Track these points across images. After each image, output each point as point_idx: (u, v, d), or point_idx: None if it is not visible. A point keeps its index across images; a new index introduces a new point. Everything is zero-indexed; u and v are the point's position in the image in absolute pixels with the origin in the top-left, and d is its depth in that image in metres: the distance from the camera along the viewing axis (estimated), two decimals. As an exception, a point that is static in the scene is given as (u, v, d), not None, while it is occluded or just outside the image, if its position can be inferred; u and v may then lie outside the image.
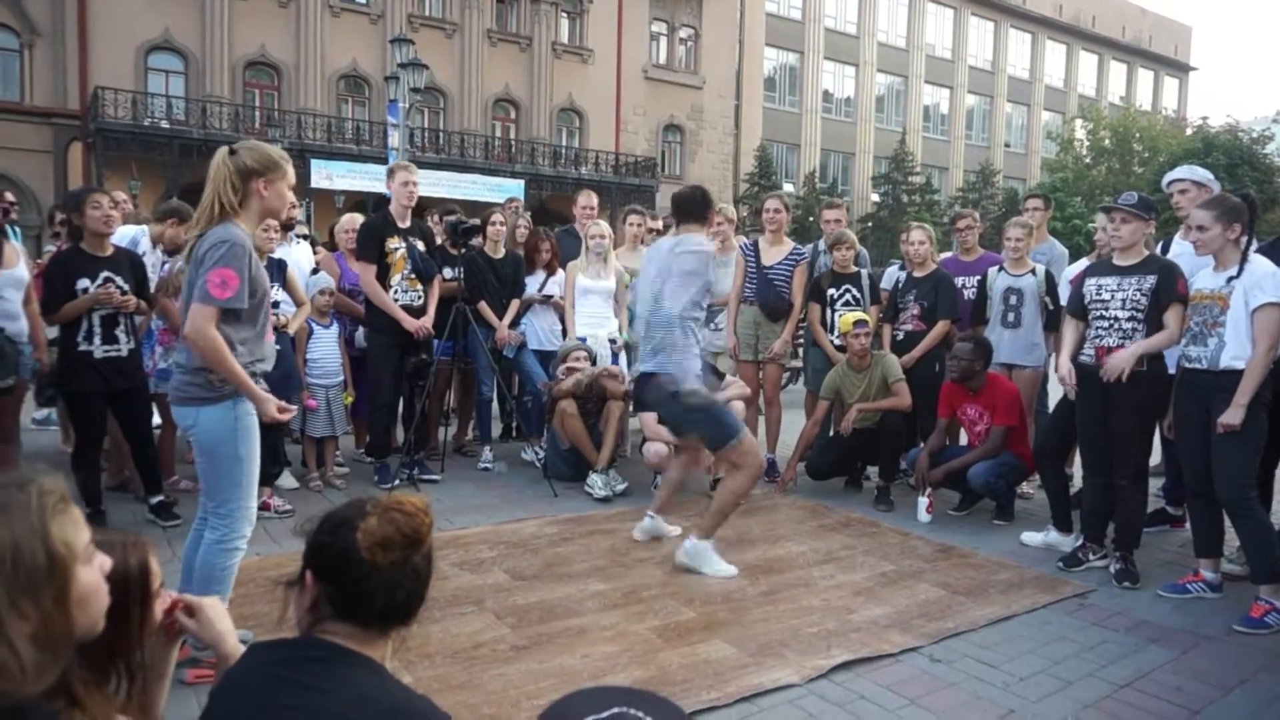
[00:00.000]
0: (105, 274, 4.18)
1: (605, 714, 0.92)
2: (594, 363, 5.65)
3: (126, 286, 4.25)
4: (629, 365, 6.10)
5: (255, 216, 2.82)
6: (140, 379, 4.44)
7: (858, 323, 5.32)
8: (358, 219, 6.01)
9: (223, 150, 2.77)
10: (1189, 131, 36.24)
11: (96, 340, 4.19)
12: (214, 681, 1.51)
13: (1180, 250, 4.45)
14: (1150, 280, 3.87)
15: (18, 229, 6.51)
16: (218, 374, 2.72)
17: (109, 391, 4.27)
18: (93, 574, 1.18)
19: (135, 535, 1.53)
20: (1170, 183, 4.47)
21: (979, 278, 5.59)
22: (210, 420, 2.75)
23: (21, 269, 4.21)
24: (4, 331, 3.79)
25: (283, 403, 2.85)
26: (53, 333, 4.47)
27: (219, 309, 2.65)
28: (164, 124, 21.33)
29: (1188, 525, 4.75)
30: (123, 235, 4.83)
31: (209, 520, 2.84)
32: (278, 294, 4.63)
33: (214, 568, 2.79)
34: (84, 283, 4.15)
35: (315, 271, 5.65)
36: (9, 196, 4.31)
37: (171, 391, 2.82)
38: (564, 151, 27.48)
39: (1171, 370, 4.07)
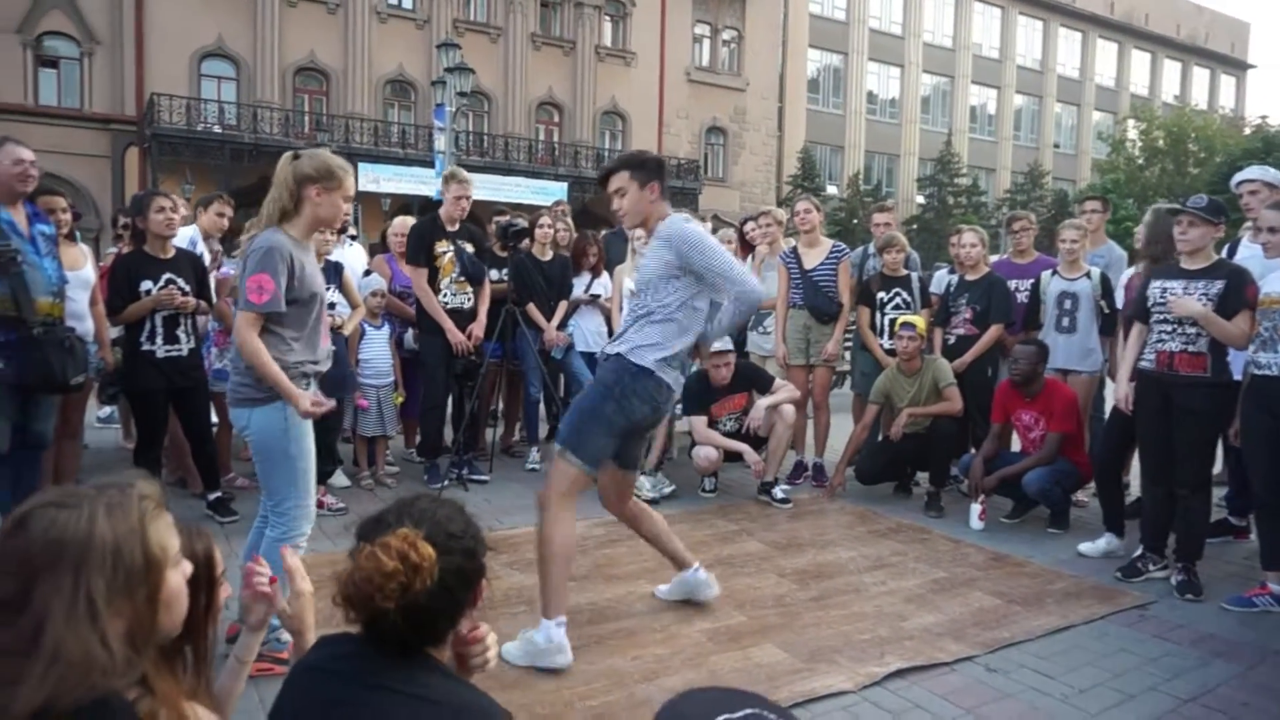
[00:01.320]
0: (167, 276, 4.30)
1: (739, 714, 0.91)
2: None
3: (187, 288, 4.36)
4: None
5: (306, 223, 2.87)
6: (200, 378, 4.55)
7: (904, 325, 5.27)
8: (408, 221, 6.09)
9: (287, 154, 2.84)
10: (1247, 131, 35.26)
11: (159, 340, 4.31)
12: (286, 673, 1.54)
13: (1249, 253, 4.34)
14: (1218, 285, 3.77)
15: (78, 231, 6.72)
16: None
17: (170, 390, 4.39)
18: (179, 578, 1.22)
19: (198, 525, 1.58)
20: (1240, 183, 4.36)
21: (1032, 281, 5.49)
22: (262, 420, 2.82)
23: (88, 270, 4.33)
24: (74, 331, 3.90)
25: (317, 396, 2.87)
26: (114, 332, 4.61)
27: (258, 313, 2.72)
28: (216, 129, 21.82)
29: (1252, 536, 4.64)
30: (180, 237, 4.97)
31: (269, 519, 2.91)
32: (334, 296, 4.71)
33: (275, 565, 2.84)
34: (147, 284, 4.27)
35: (368, 274, 5.74)
36: (64, 204, 4.45)
37: (228, 392, 2.90)
38: (607, 154, 27.54)
39: (1236, 377, 3.97)
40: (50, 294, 3.79)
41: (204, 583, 1.48)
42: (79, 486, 1.19)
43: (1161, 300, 3.90)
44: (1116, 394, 4.08)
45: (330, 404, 2.95)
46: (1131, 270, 5.07)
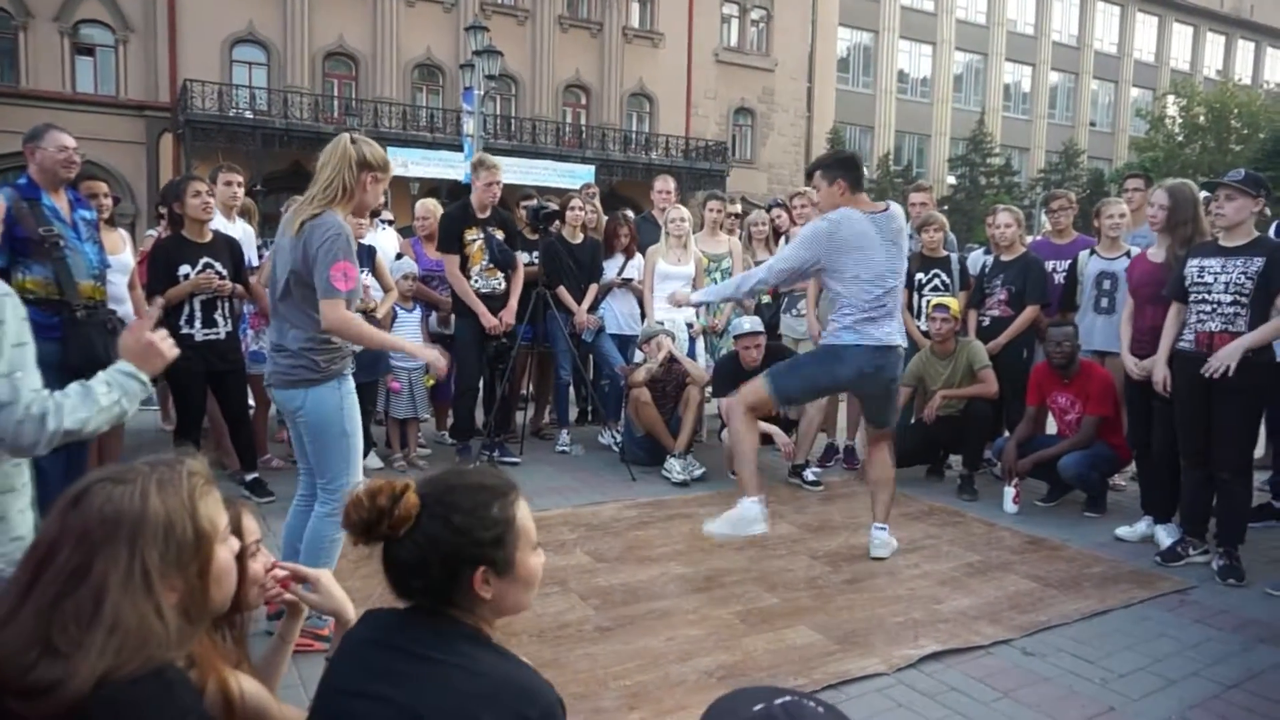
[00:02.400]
0: (205, 260, 4.36)
1: (779, 702, 0.93)
2: (674, 340, 5.64)
3: (225, 272, 4.42)
4: (706, 350, 6.10)
5: (353, 207, 2.90)
6: (237, 360, 4.62)
7: (937, 306, 5.20)
8: (430, 204, 6.12)
9: (345, 135, 2.87)
10: (1293, 106, 34.31)
11: (197, 324, 4.38)
12: (330, 649, 1.57)
13: None
14: (1258, 262, 3.67)
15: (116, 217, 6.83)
16: (327, 356, 2.82)
17: (209, 373, 4.45)
18: (228, 553, 1.24)
19: (229, 495, 1.62)
20: None
21: (1070, 261, 5.39)
22: (318, 400, 2.85)
23: (127, 255, 4.41)
24: (116, 313, 3.98)
25: (437, 355, 3.08)
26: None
27: (345, 299, 2.76)
28: (248, 114, 22.00)
29: (1296, 521, 4.55)
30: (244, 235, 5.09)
31: (320, 495, 2.94)
32: (367, 279, 4.74)
33: (323, 539, 2.90)
34: (185, 268, 4.33)
35: (399, 257, 5.77)
36: (105, 189, 4.51)
37: (274, 376, 2.91)
38: (634, 136, 27.42)
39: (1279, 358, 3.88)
40: (92, 277, 3.86)
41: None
42: (133, 463, 1.22)
43: (1200, 279, 3.80)
44: (1155, 376, 3.99)
45: (442, 360, 3.10)
46: (1135, 250, 4.88)
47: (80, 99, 21.29)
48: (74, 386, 1.74)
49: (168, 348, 1.88)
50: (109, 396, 1.75)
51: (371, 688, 1.32)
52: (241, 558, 1.51)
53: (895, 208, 3.86)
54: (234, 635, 1.57)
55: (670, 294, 4.75)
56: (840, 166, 3.82)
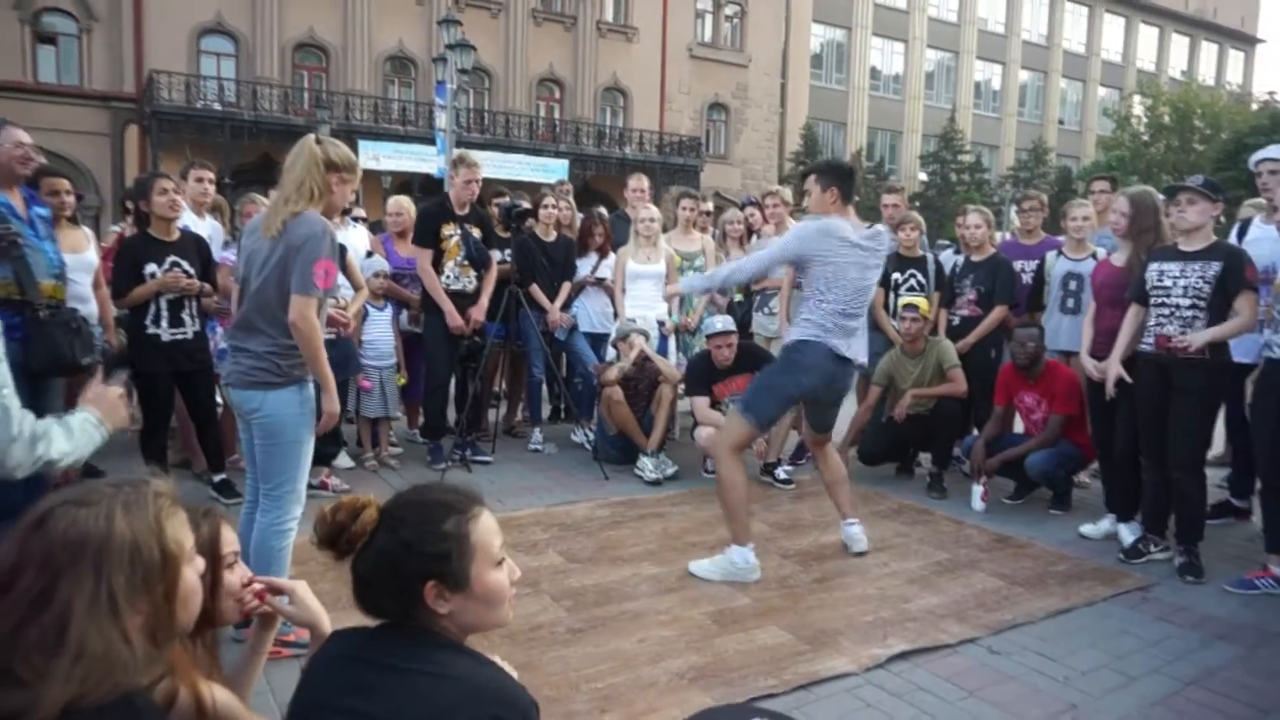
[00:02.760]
0: (172, 259, 4.30)
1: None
2: (647, 339, 5.65)
3: (192, 271, 4.36)
4: (678, 349, 6.12)
5: (321, 210, 2.86)
6: (205, 360, 4.56)
7: (907, 306, 5.26)
8: (403, 201, 6.08)
9: (310, 137, 2.85)
10: (1255, 107, 34.94)
11: (164, 323, 4.32)
12: (305, 661, 1.56)
13: (1260, 234, 4.30)
14: (1215, 267, 3.75)
15: (78, 213, 6.71)
16: (290, 361, 2.79)
17: (176, 373, 4.40)
18: (194, 574, 1.24)
19: (207, 506, 1.62)
20: (1260, 161, 4.24)
21: (1038, 262, 5.46)
22: (277, 404, 2.82)
23: (91, 254, 4.32)
24: (78, 313, 3.91)
25: (338, 407, 3.01)
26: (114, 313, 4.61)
27: (319, 298, 2.74)
28: (216, 106, 21.69)
29: (1254, 518, 4.65)
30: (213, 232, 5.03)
31: (262, 502, 2.91)
32: (338, 278, 4.69)
33: (270, 550, 2.85)
34: (151, 267, 4.27)
35: (370, 255, 5.72)
36: (67, 185, 4.39)
37: (234, 376, 2.87)
38: (608, 131, 27.38)
39: (1237, 358, 3.95)
40: (52, 276, 3.79)
41: (208, 562, 1.51)
42: (96, 484, 1.21)
43: (1160, 284, 3.88)
44: (1107, 375, 4.06)
45: (337, 409, 3.02)
46: (1100, 254, 4.97)
47: (42, 89, 20.86)
48: (50, 420, 1.71)
49: (127, 415, 1.91)
50: (80, 438, 1.73)
51: (344, 702, 1.32)
52: (217, 571, 1.52)
53: (883, 232, 3.94)
54: (205, 645, 1.56)
55: (666, 290, 4.73)
56: (836, 175, 3.84)
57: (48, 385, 3.78)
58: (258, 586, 1.61)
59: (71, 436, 1.71)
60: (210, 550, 1.56)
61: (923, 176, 36.80)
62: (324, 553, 1.43)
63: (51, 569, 1.09)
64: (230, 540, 1.62)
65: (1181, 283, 3.82)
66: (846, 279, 3.70)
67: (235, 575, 1.61)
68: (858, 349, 3.82)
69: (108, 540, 1.12)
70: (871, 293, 3.91)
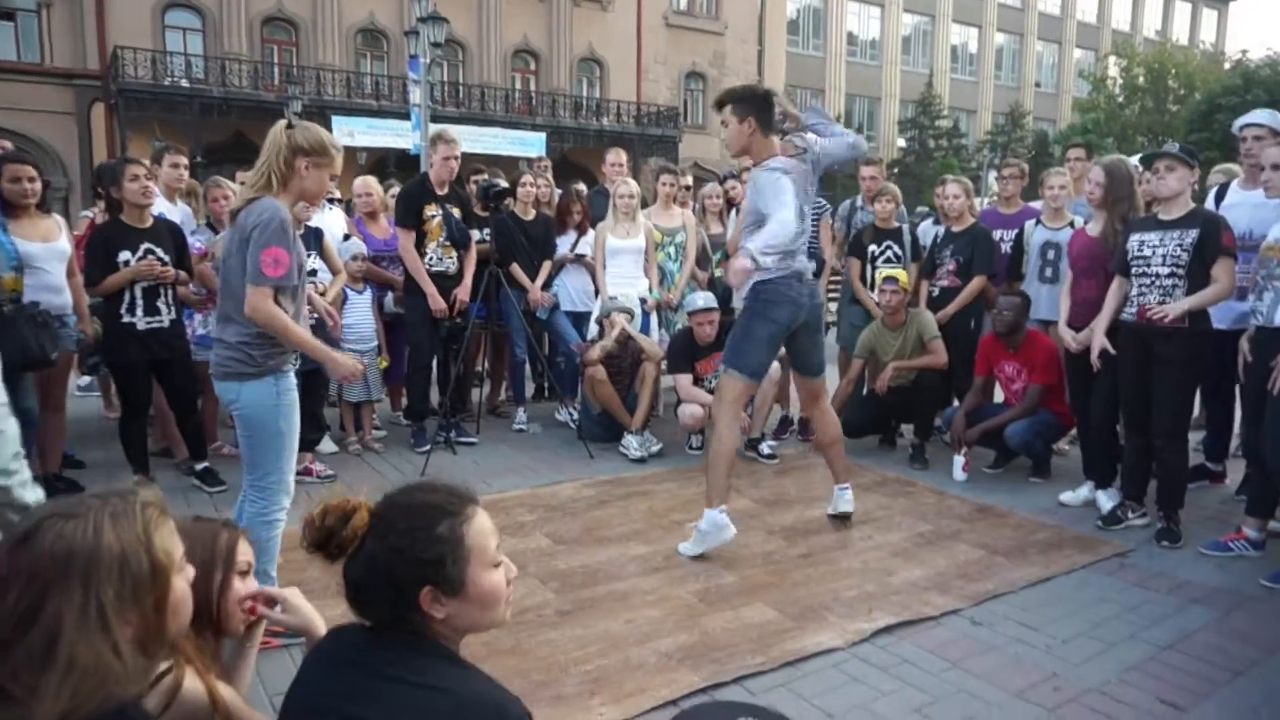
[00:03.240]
0: (146, 246, 4.24)
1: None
2: (631, 318, 5.63)
3: (167, 258, 4.30)
4: (660, 325, 6.12)
5: (293, 195, 2.83)
6: (183, 348, 4.51)
7: (886, 279, 5.28)
8: (370, 181, 6.02)
9: (281, 123, 2.79)
10: (1227, 66, 35.08)
11: (139, 312, 4.26)
12: (282, 645, 1.58)
13: (1238, 199, 4.32)
14: (1192, 234, 3.77)
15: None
16: (264, 351, 2.76)
17: (153, 361, 4.35)
18: (184, 584, 1.23)
19: (225, 519, 1.64)
20: (1244, 126, 4.24)
21: (1017, 231, 5.49)
22: (253, 395, 2.79)
23: (63, 242, 4.25)
24: (40, 305, 3.85)
25: (355, 358, 3.00)
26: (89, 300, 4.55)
27: (273, 286, 2.69)
28: (184, 83, 21.23)
29: (1228, 481, 4.75)
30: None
31: (248, 493, 2.90)
32: (315, 262, 4.65)
33: (258, 541, 2.81)
34: (125, 255, 4.21)
35: (347, 238, 5.66)
36: (32, 172, 4.23)
37: (213, 366, 2.86)
38: (585, 103, 27.09)
39: (1217, 324, 3.99)
40: (12, 269, 3.74)
41: (222, 568, 1.54)
42: (83, 496, 1.20)
43: (1140, 254, 3.91)
44: (1091, 346, 4.10)
45: (361, 366, 3.05)
46: (1078, 223, 4.99)
47: (2, 66, 20.34)
48: None
49: None
50: None
51: (342, 707, 1.32)
52: (227, 581, 1.52)
53: (811, 142, 3.76)
54: (213, 637, 1.58)
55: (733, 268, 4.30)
56: (753, 104, 3.64)
57: (19, 380, 3.73)
58: (248, 601, 1.62)
59: None
60: (226, 561, 1.57)
61: (901, 143, 36.75)
62: (313, 556, 1.41)
63: (39, 584, 1.09)
64: (246, 551, 1.63)
65: (1160, 251, 3.84)
66: (792, 209, 3.51)
67: (246, 586, 1.62)
68: (806, 264, 3.82)
69: (95, 553, 1.12)
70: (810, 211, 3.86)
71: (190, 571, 1.28)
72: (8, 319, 3.55)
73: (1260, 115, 4.23)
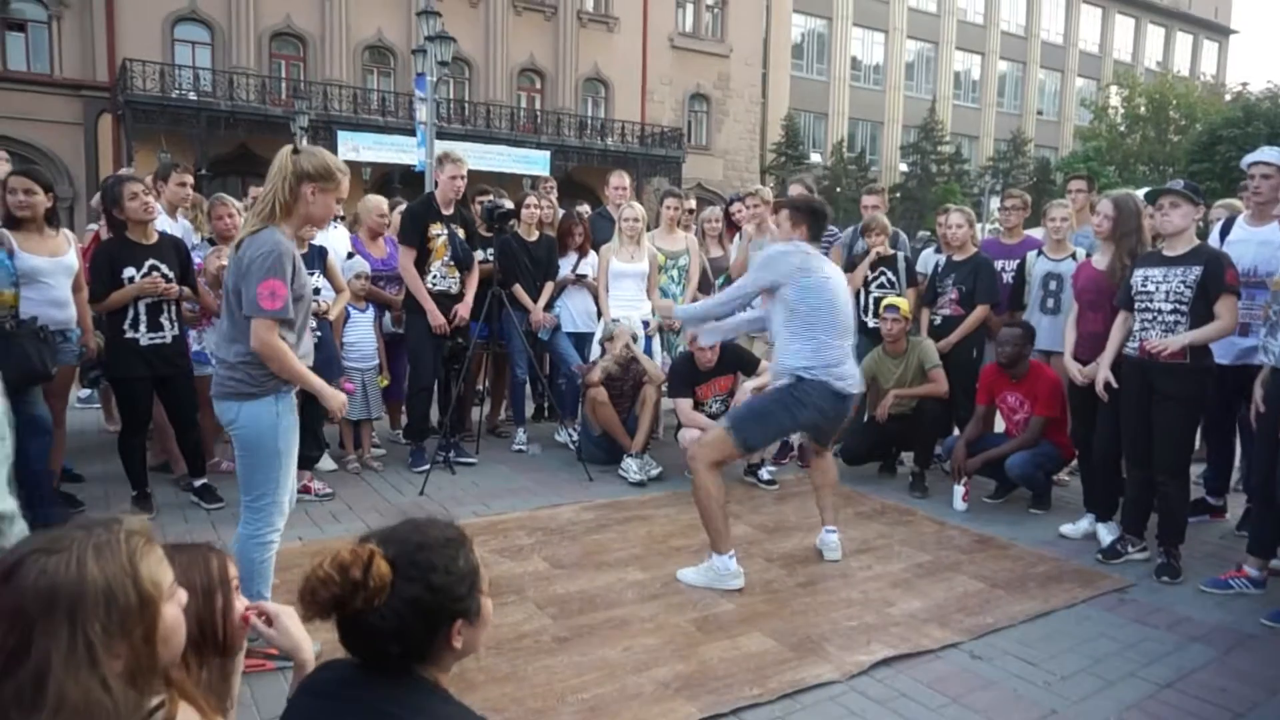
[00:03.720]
0: (150, 262, 4.24)
1: None
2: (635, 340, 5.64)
3: (171, 274, 4.30)
4: (663, 348, 6.12)
5: (298, 220, 2.83)
6: (185, 365, 4.50)
7: (888, 307, 5.29)
8: (373, 200, 6.03)
9: (287, 148, 2.80)
10: (1228, 98, 35.34)
11: (142, 328, 4.26)
12: (290, 691, 1.56)
13: (1242, 235, 4.32)
14: (1195, 271, 3.78)
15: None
16: (264, 372, 2.76)
17: (154, 377, 4.34)
18: (175, 610, 1.21)
19: (209, 542, 1.62)
20: (1253, 164, 4.23)
21: (1019, 261, 5.51)
22: (252, 416, 2.79)
23: (71, 256, 4.26)
24: (36, 320, 3.86)
25: (344, 396, 2.94)
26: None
27: (272, 319, 2.70)
28: (191, 96, 21.39)
29: (1228, 516, 4.73)
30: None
31: (243, 514, 2.88)
32: (318, 280, 4.66)
33: (251, 563, 2.81)
34: (129, 271, 4.21)
35: (350, 256, 5.67)
36: (25, 184, 4.17)
37: (215, 386, 2.85)
38: (590, 122, 27.28)
39: (1219, 359, 4.00)
40: (11, 285, 3.75)
41: (220, 596, 1.52)
42: (66, 529, 1.17)
43: (1144, 289, 3.91)
44: (1097, 380, 4.10)
45: (344, 399, 3.01)
46: (1080, 255, 5.01)
47: (11, 77, 20.53)
48: None
49: None
50: None
51: None
52: (228, 606, 1.52)
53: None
54: (223, 675, 1.56)
55: (658, 305, 4.50)
56: (809, 215, 3.84)
57: (27, 390, 3.73)
58: (243, 605, 1.60)
59: None
60: (222, 582, 1.55)
61: (903, 168, 36.95)
62: (318, 617, 1.35)
63: (24, 622, 1.06)
64: (233, 569, 1.62)
65: (1164, 287, 3.84)
66: (827, 291, 3.68)
67: (242, 601, 1.61)
68: (852, 377, 3.79)
69: (80, 588, 1.09)
70: (850, 302, 3.92)
71: (184, 597, 1.26)
72: (11, 336, 3.56)
73: (1269, 154, 4.22)
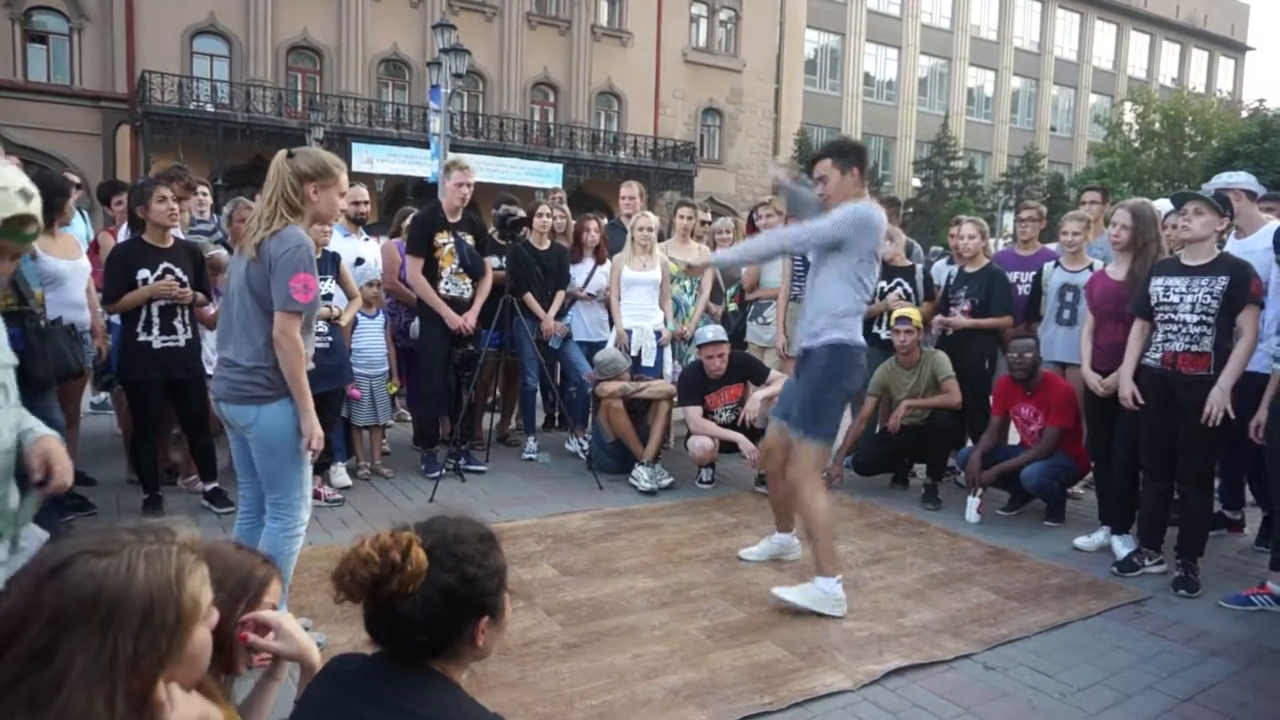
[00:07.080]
0: (165, 265, 4.27)
1: None
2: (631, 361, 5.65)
3: (185, 278, 4.33)
4: (675, 358, 6.11)
5: (308, 220, 2.86)
6: (198, 369, 4.51)
7: (900, 318, 5.25)
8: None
9: (281, 153, 2.82)
10: (1244, 115, 35.18)
11: (155, 331, 4.28)
12: (298, 692, 1.54)
13: (1237, 251, 4.29)
14: (1222, 281, 3.73)
15: (85, 212, 6.79)
16: (278, 371, 2.77)
17: (167, 381, 4.36)
18: (206, 633, 1.17)
19: (266, 557, 1.63)
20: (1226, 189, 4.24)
21: (1035, 273, 5.48)
22: (271, 418, 2.80)
23: (84, 260, 4.31)
24: (61, 320, 3.91)
25: (320, 430, 2.87)
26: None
27: (302, 313, 2.72)
28: (209, 107, 21.61)
29: (1246, 530, 4.67)
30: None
31: (271, 511, 2.91)
32: (330, 286, 4.68)
33: (280, 554, 2.84)
34: (144, 273, 4.24)
35: (359, 263, 5.69)
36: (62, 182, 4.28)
37: (224, 391, 2.85)
38: (603, 135, 27.39)
39: (1250, 368, 3.93)
40: (39, 285, 3.80)
41: (246, 609, 1.51)
42: (118, 530, 1.13)
43: (1166, 299, 3.86)
44: (1122, 392, 4.05)
45: (320, 432, 2.93)
46: (1096, 266, 4.98)
47: (33, 88, 20.79)
48: None
49: None
50: None
51: None
52: (254, 607, 1.51)
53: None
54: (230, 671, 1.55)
55: (694, 264, 4.16)
56: (856, 155, 3.60)
57: (45, 392, 3.75)
58: (239, 629, 1.57)
59: None
60: (254, 597, 1.54)
61: (916, 182, 36.91)
62: (351, 598, 1.36)
63: (58, 625, 1.02)
64: (274, 593, 1.60)
65: (1189, 299, 3.78)
66: (873, 269, 3.63)
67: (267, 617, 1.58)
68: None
69: (122, 598, 1.05)
70: None
71: (215, 617, 1.23)
72: (47, 334, 3.63)
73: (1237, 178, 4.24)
